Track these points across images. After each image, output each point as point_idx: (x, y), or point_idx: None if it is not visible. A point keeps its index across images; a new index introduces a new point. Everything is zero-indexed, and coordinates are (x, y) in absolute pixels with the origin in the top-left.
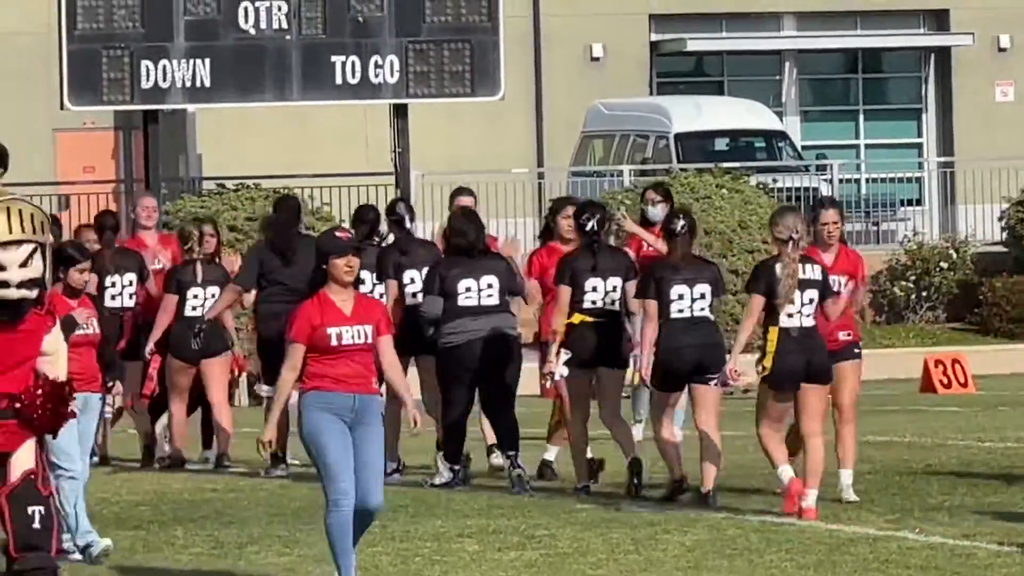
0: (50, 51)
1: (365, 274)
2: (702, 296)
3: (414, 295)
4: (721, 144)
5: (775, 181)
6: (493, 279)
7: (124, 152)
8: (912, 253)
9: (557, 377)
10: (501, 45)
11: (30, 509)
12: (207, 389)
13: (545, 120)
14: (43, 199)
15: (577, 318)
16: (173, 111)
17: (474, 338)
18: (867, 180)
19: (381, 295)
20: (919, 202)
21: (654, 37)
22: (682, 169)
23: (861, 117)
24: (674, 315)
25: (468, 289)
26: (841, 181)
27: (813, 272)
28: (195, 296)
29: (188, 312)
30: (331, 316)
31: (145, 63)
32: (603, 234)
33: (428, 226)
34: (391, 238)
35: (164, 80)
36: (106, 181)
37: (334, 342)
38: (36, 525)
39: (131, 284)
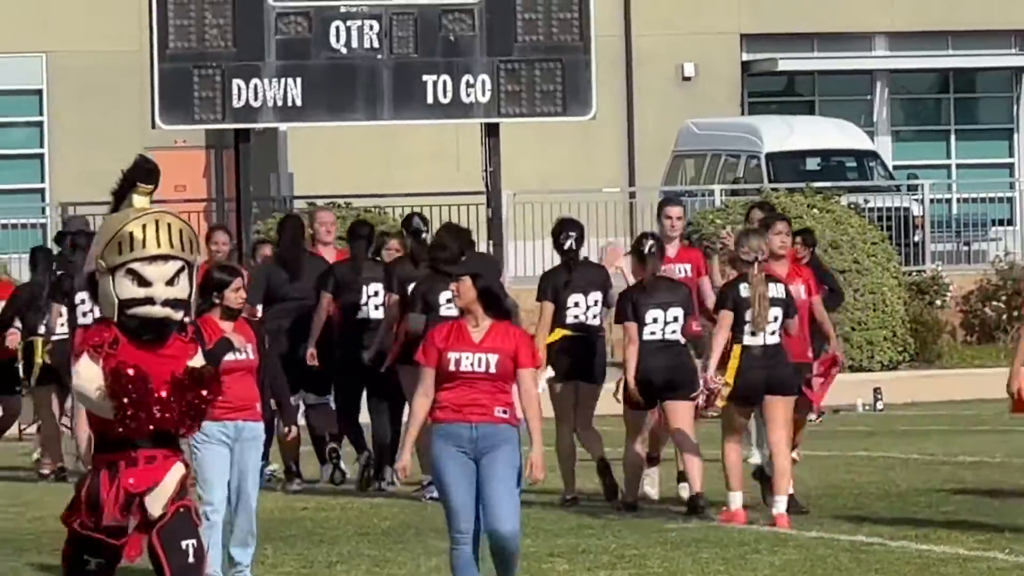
0: (142, 70)
1: (377, 287)
2: (675, 319)
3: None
4: (812, 164)
5: (866, 201)
6: None
7: (215, 171)
8: (1003, 273)
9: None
10: (593, 65)
11: (183, 543)
12: None
13: (636, 140)
14: None
15: (559, 333)
16: (264, 130)
17: None
18: (958, 200)
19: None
20: (1010, 222)
21: (745, 57)
22: (773, 189)
23: (952, 137)
24: (646, 337)
25: (449, 301)
26: (932, 201)
27: (777, 291)
28: None
29: None
30: (459, 342)
31: (236, 82)
32: (580, 251)
33: (519, 245)
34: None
35: (255, 99)
36: (197, 200)
37: (452, 367)
38: (191, 559)
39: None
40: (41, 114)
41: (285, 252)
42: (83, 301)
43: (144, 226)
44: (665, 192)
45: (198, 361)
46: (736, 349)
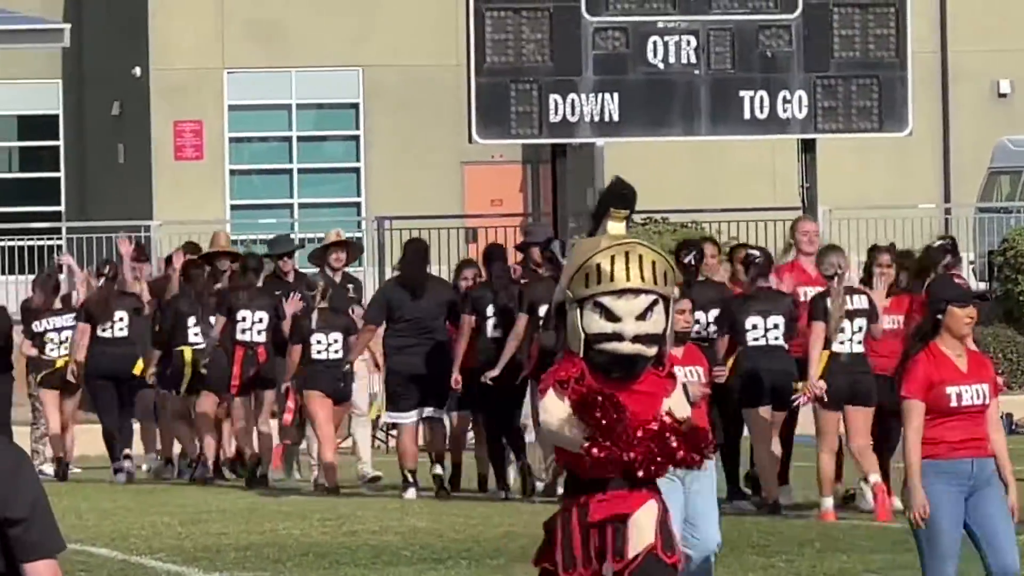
0: (458, 84)
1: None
2: (775, 327)
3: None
4: None
5: None
6: None
7: (531, 185)
8: None
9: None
10: (909, 81)
11: None
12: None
13: (952, 156)
14: (451, 232)
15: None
16: (581, 145)
17: None
18: None
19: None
20: None
21: None
22: None
23: None
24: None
25: None
26: None
27: (860, 302)
28: (319, 341)
29: (314, 356)
30: (948, 373)
31: (553, 97)
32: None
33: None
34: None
35: (572, 114)
36: (513, 214)
37: (953, 403)
38: None
39: None
40: (357, 128)
41: (406, 272)
42: (244, 319)
43: (613, 258)
44: (980, 209)
45: (678, 399)
46: (824, 356)
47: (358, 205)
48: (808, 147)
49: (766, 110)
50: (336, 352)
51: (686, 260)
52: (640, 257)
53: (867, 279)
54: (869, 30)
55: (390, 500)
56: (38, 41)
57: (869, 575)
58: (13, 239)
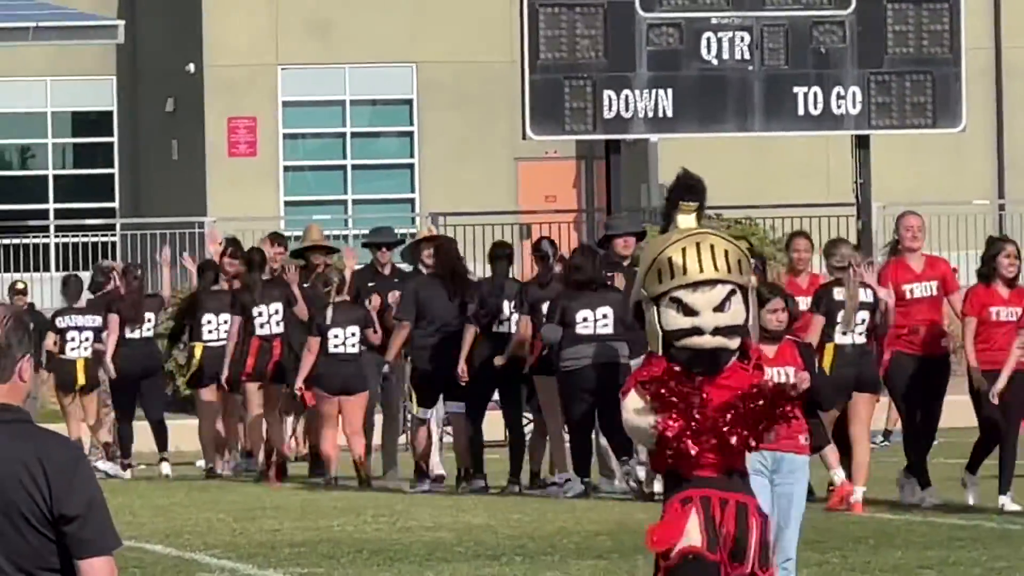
0: (512, 80)
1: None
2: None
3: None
4: None
5: None
6: (608, 310)
7: (585, 181)
8: None
9: None
10: (963, 77)
11: None
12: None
13: (1006, 152)
14: (504, 228)
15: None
16: (635, 141)
17: (589, 364)
18: None
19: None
20: None
21: None
22: None
23: None
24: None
25: (585, 319)
26: None
27: (866, 295)
28: (336, 336)
29: (331, 350)
30: None
31: (607, 93)
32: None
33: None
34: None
35: (626, 110)
36: (567, 211)
37: None
38: None
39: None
40: (411, 124)
41: (438, 271)
42: (260, 314)
43: (684, 250)
44: None
45: None
46: (829, 348)
47: (412, 201)
48: (862, 143)
49: (820, 106)
50: (353, 346)
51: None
52: (712, 247)
53: (989, 271)
54: (923, 26)
55: (444, 496)
56: (92, 38)
57: (923, 571)
58: (67, 235)
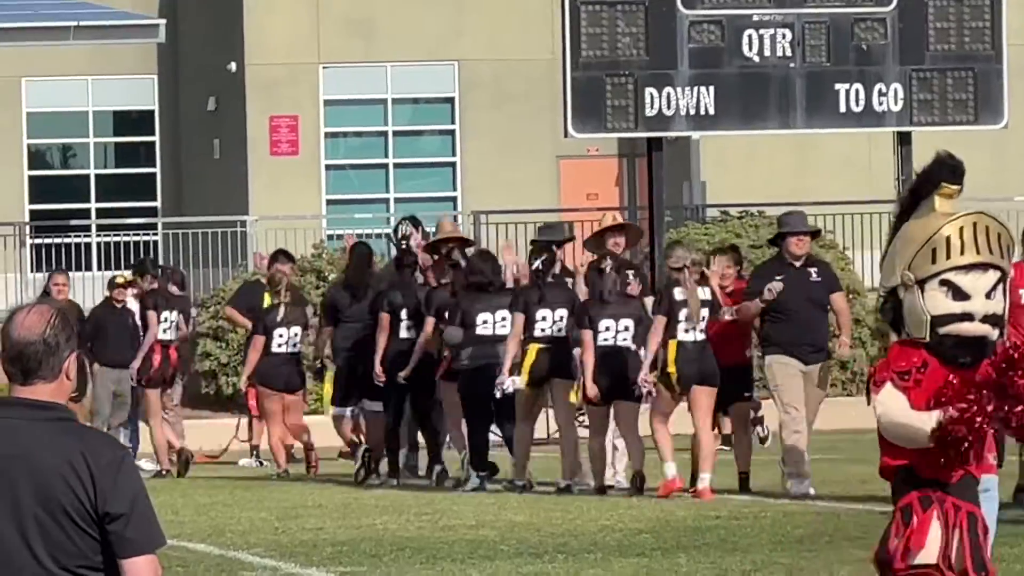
0: (554, 78)
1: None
2: (625, 328)
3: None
4: None
5: None
6: (506, 312)
7: (627, 179)
8: None
9: (510, 387)
10: (1005, 73)
11: None
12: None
13: None
14: None
15: (534, 347)
16: (677, 138)
17: (487, 363)
18: None
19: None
20: None
21: None
22: None
23: None
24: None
25: (485, 321)
26: None
27: (705, 294)
28: (280, 335)
29: (275, 349)
30: None
31: (649, 90)
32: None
33: None
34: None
35: (668, 108)
36: (610, 208)
37: None
38: None
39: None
40: (453, 122)
41: (350, 277)
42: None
43: (962, 229)
44: None
45: None
46: (672, 344)
47: (454, 199)
48: (904, 140)
49: (861, 103)
50: (295, 346)
51: (534, 266)
52: (987, 228)
53: None
54: (964, 23)
55: (486, 495)
56: (134, 37)
57: None
58: (109, 235)
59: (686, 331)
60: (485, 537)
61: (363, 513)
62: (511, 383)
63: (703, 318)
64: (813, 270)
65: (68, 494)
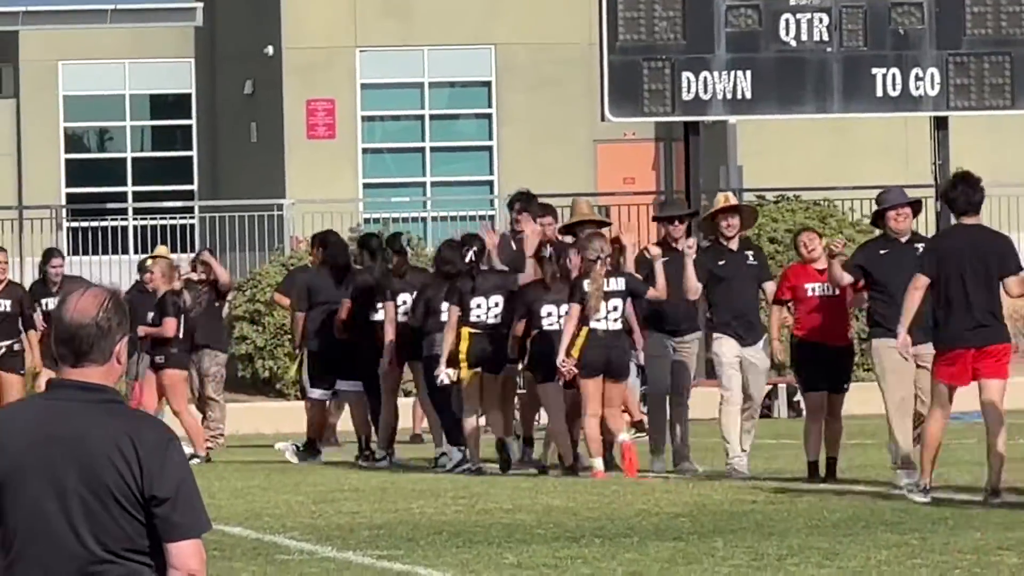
0: (590, 62)
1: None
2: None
3: (405, 313)
4: None
5: None
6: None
7: (664, 163)
8: None
9: (444, 380)
10: None
11: None
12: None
13: None
14: None
15: (466, 332)
16: (714, 122)
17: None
18: None
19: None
20: None
21: None
22: None
23: None
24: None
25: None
26: None
27: (617, 284)
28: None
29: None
30: None
31: (686, 75)
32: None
33: None
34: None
35: (705, 92)
36: (646, 192)
37: None
38: None
39: None
40: (490, 106)
41: (329, 261)
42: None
43: None
44: None
45: None
46: (583, 331)
47: (491, 183)
48: (940, 124)
49: (898, 87)
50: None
51: (467, 255)
52: None
53: None
54: (1001, 7)
55: (523, 479)
56: (170, 20)
57: (1003, 552)
58: (146, 218)
59: (597, 320)
60: (521, 521)
61: (400, 497)
62: (445, 376)
63: (614, 308)
64: (920, 247)
65: (115, 477)
